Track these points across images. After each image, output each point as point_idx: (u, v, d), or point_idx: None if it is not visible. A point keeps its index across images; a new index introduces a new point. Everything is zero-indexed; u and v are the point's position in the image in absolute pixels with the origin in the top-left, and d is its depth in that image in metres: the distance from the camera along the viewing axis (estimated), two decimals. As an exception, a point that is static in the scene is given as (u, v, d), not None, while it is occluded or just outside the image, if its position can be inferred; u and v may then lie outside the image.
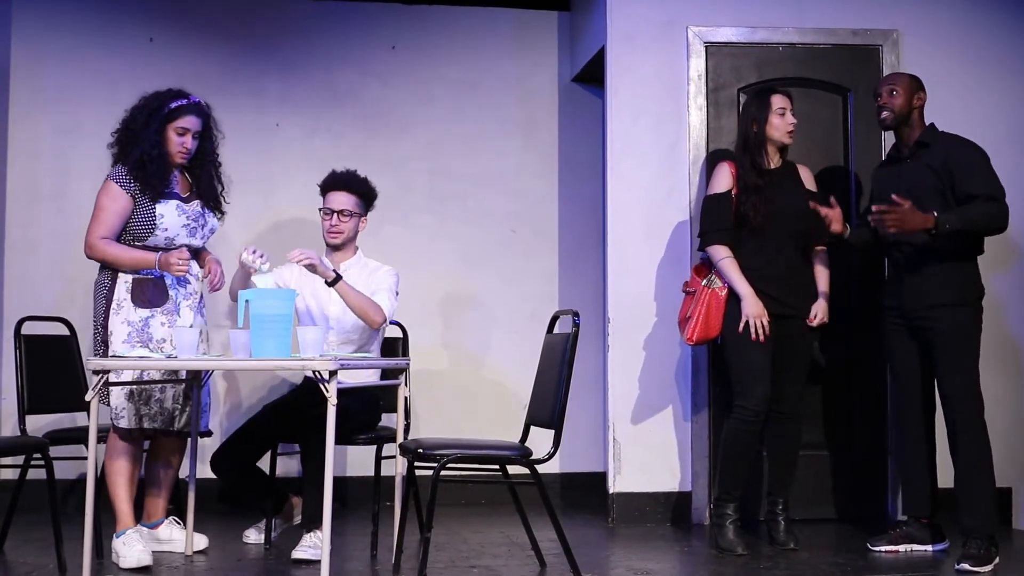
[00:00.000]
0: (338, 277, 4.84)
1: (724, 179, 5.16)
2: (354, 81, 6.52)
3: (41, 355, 5.13)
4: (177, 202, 4.79)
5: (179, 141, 4.78)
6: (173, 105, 4.79)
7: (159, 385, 4.73)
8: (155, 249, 4.72)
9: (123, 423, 4.67)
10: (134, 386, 4.66)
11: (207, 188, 4.91)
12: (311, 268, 4.77)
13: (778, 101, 5.12)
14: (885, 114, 4.95)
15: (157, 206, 4.72)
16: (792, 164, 5.24)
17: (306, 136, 6.46)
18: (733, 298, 5.06)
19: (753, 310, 5.00)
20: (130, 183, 4.71)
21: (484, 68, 6.62)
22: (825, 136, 5.83)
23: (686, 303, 5.25)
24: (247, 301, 4.32)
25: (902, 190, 4.87)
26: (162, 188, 4.74)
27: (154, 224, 4.71)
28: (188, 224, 4.81)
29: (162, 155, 4.74)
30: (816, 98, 5.83)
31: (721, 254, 5.08)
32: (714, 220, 5.14)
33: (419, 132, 6.56)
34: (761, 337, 4.97)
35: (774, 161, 5.17)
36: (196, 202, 4.87)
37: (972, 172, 4.78)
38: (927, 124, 4.95)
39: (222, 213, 5.02)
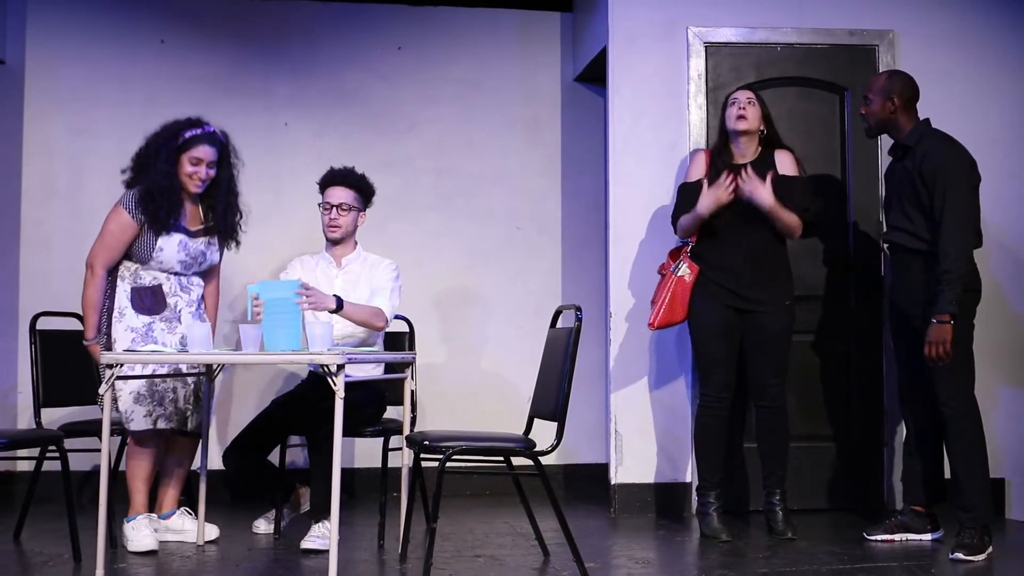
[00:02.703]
0: (340, 304, 4.85)
1: (698, 167, 5.27)
2: (361, 81, 6.60)
3: (56, 350, 5.22)
4: (181, 236, 4.85)
5: (193, 171, 4.83)
6: (187, 135, 4.83)
7: (171, 385, 4.81)
8: (159, 269, 4.84)
9: (134, 426, 4.75)
10: (143, 388, 4.73)
11: (222, 218, 4.96)
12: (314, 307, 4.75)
13: (733, 95, 5.24)
14: (864, 125, 5.03)
15: (159, 239, 4.81)
16: (770, 152, 5.26)
17: (314, 135, 6.54)
18: (697, 287, 5.16)
19: (714, 196, 5.06)
20: (138, 212, 4.78)
21: (488, 68, 6.68)
22: (822, 135, 5.89)
23: (658, 286, 5.34)
24: (254, 296, 4.44)
25: (893, 192, 4.98)
26: (168, 221, 4.79)
27: (151, 254, 4.83)
28: (184, 260, 4.89)
29: (172, 187, 4.79)
30: (814, 97, 5.90)
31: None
32: (680, 208, 5.25)
33: (425, 131, 6.62)
34: (732, 189, 5.03)
35: (748, 154, 5.24)
36: (203, 239, 4.93)
37: (937, 186, 4.74)
38: (920, 120, 4.95)
39: (238, 243, 5.09)
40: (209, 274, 5.09)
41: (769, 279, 5.20)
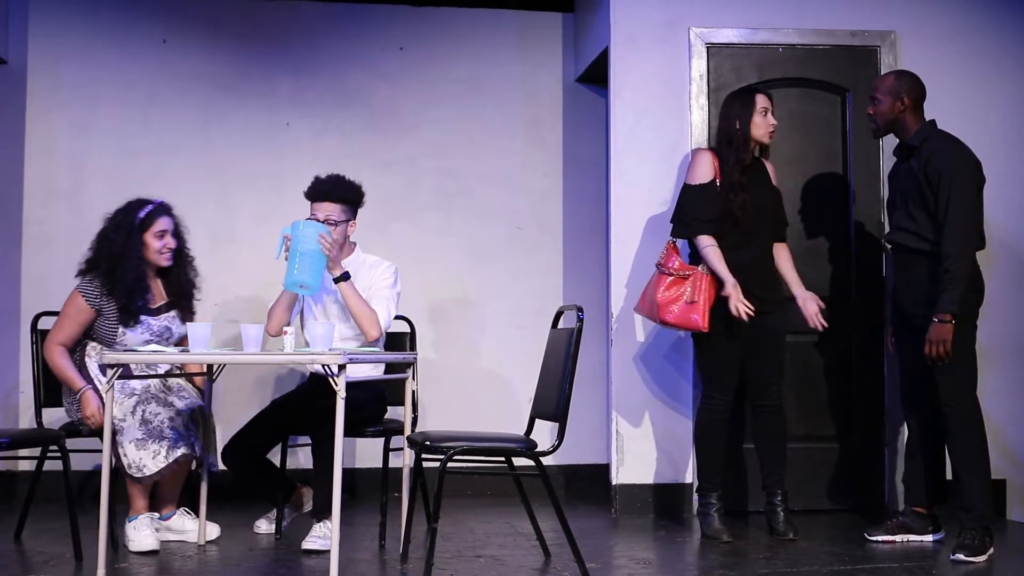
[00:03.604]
0: (345, 276, 4.92)
1: (706, 169, 5.17)
2: (363, 81, 6.61)
3: (57, 349, 5.25)
4: (143, 317, 4.92)
5: (161, 244, 4.96)
6: (143, 214, 4.95)
7: (165, 416, 4.80)
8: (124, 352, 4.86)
9: (149, 470, 4.73)
10: (140, 433, 4.74)
11: (182, 289, 5.06)
12: (328, 258, 4.85)
13: (761, 101, 5.18)
14: (871, 126, 5.03)
15: (122, 326, 4.88)
16: (759, 160, 5.28)
17: (316, 135, 6.55)
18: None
19: (736, 293, 5.02)
20: (97, 299, 4.87)
21: (490, 69, 6.69)
22: (824, 136, 5.90)
23: (670, 284, 5.15)
24: (286, 236, 4.71)
25: (897, 192, 4.98)
26: (139, 309, 4.88)
27: (115, 339, 4.90)
28: (149, 339, 4.94)
29: (145, 273, 4.91)
30: (815, 98, 5.91)
31: (706, 242, 5.11)
32: (699, 210, 5.12)
33: (426, 131, 6.63)
34: (744, 317, 5.01)
35: (749, 157, 5.23)
36: (165, 315, 5.01)
37: (942, 188, 4.75)
38: (926, 121, 4.96)
39: (193, 313, 5.14)
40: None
41: (775, 280, 5.22)
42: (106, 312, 4.88)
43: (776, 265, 5.28)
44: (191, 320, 5.08)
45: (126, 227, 4.93)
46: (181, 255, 5.08)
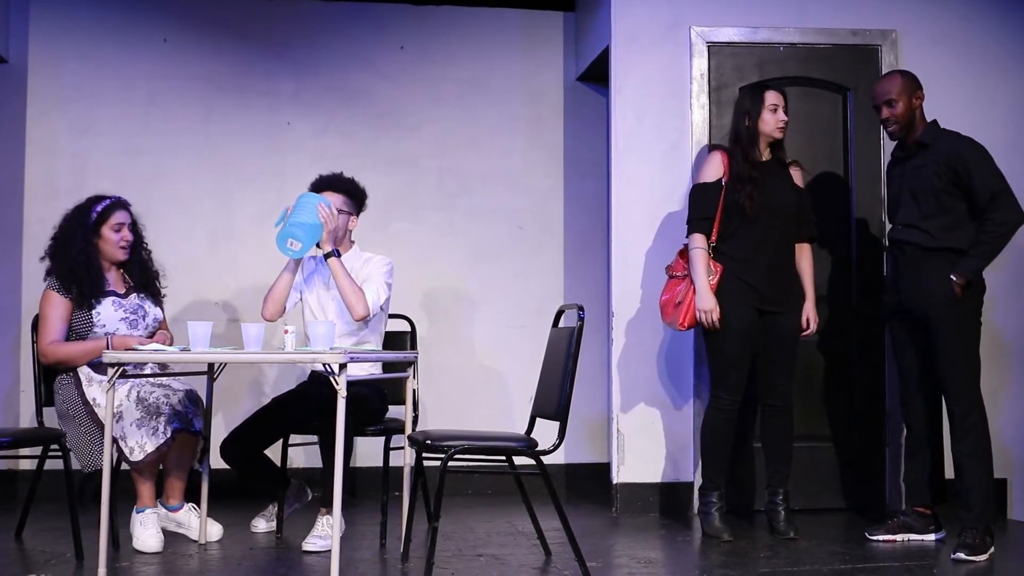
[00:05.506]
0: (336, 253, 4.97)
1: (714, 168, 5.21)
2: (364, 80, 6.61)
3: (58, 348, 5.25)
4: (113, 298, 4.98)
5: (118, 237, 5.01)
6: (99, 208, 5.01)
7: (159, 394, 4.81)
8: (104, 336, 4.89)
9: (151, 446, 4.73)
10: (136, 413, 4.74)
11: (139, 278, 5.10)
12: (324, 229, 4.92)
13: (771, 97, 5.18)
14: (892, 128, 4.98)
15: (94, 309, 4.91)
16: (782, 161, 5.28)
17: (317, 134, 6.55)
18: (723, 286, 5.11)
19: (705, 305, 5.07)
20: (65, 290, 4.90)
21: (491, 68, 6.69)
22: (825, 134, 5.91)
23: (670, 286, 5.28)
24: (287, 208, 4.88)
25: (904, 190, 4.96)
26: (94, 292, 4.92)
27: (92, 322, 4.91)
28: (127, 318, 4.97)
29: (89, 260, 4.94)
30: (816, 97, 5.91)
31: (696, 243, 5.16)
32: (699, 208, 5.19)
33: (427, 130, 6.64)
34: (708, 326, 5.09)
35: (764, 155, 5.23)
36: (133, 296, 5.06)
37: (974, 171, 4.80)
38: (929, 122, 4.97)
39: (162, 298, 5.18)
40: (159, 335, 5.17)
41: (790, 281, 5.22)
42: (75, 301, 4.92)
43: (797, 265, 5.30)
44: (161, 305, 5.15)
45: (77, 222, 4.99)
46: (139, 249, 5.12)
